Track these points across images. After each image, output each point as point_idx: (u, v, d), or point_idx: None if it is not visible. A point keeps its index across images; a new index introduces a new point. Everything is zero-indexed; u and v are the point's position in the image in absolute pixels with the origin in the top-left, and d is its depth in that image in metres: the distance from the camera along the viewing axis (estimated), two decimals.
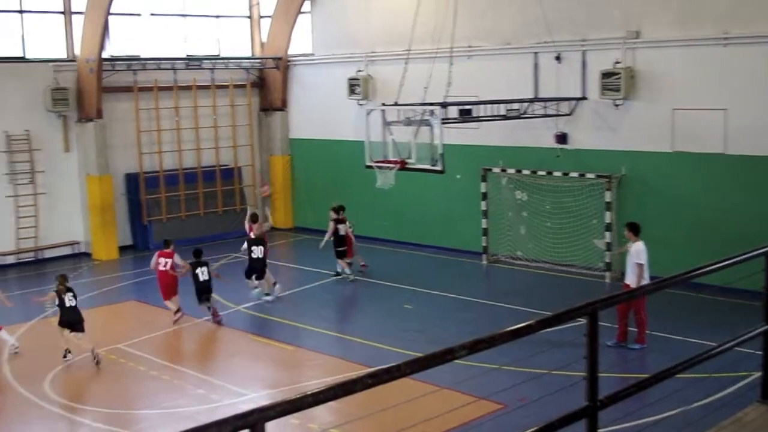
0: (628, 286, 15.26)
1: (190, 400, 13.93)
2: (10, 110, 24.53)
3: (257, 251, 20.07)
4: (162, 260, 18.57)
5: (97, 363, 15.63)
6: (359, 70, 26.33)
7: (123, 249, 26.11)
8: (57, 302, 16.19)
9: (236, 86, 28.83)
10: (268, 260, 20.62)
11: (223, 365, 15.81)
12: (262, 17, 29.75)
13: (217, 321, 18.28)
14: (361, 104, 25.73)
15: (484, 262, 23.26)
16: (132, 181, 26.91)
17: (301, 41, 28.78)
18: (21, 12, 24.87)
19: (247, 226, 21.46)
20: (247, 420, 3.29)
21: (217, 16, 29.10)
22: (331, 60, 27.65)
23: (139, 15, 27.28)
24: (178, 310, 18.38)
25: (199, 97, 27.87)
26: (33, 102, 24.88)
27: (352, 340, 16.84)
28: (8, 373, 15.46)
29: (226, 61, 28.76)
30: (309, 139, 28.90)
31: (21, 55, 24.98)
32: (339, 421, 12.57)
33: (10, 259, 24.78)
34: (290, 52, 28.94)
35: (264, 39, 29.60)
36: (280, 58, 28.85)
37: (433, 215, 25.18)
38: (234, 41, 29.60)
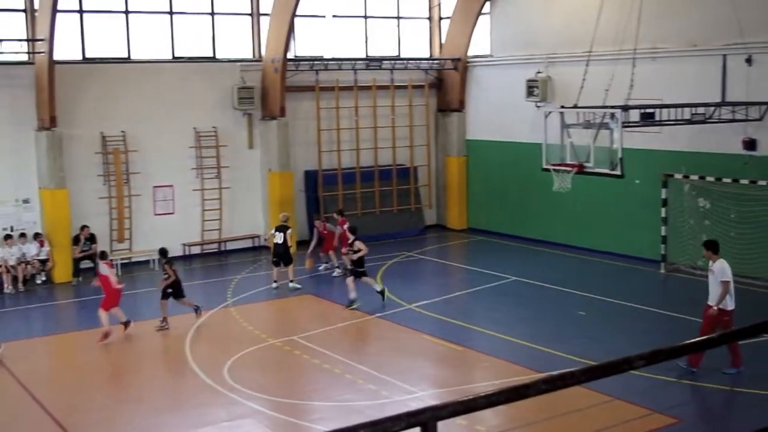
0: (711, 307, 14.52)
1: (361, 395, 14.19)
2: (199, 107, 25.71)
3: (279, 237, 21.51)
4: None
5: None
6: (538, 72, 26.06)
7: (300, 244, 26.76)
8: None
9: (415, 87, 29.12)
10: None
11: (393, 362, 15.98)
12: (441, 18, 29.95)
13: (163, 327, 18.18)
14: (539, 106, 25.45)
15: (662, 270, 22.53)
16: (311, 178, 27.63)
17: (480, 42, 28.78)
18: (212, 14, 26.03)
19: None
20: (419, 418, 3.32)
21: (398, 18, 29.50)
22: (510, 61, 27.50)
23: (322, 17, 28.01)
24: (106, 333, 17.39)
25: (378, 97, 28.31)
26: (221, 100, 25.98)
27: (522, 344, 16.68)
28: (190, 359, 16.22)
29: (405, 61, 29.08)
30: (485, 141, 28.84)
31: (211, 55, 26.16)
32: (506, 425, 12.51)
33: (196, 250, 26.00)
34: (469, 53, 28.99)
35: (443, 40, 29.79)
36: (458, 59, 28.93)
37: (609, 220, 24.60)
38: (414, 42, 29.94)
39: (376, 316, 18.87)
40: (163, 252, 19.67)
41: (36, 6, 22.86)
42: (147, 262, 24.67)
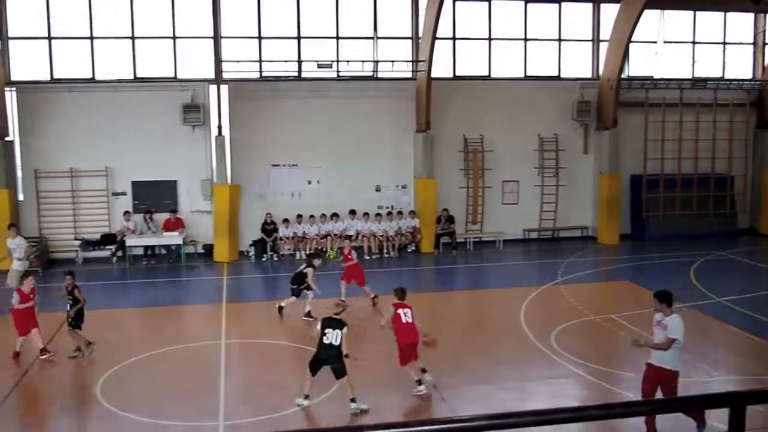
0: (659, 369, 10.72)
1: None
2: (544, 118, 25.83)
3: (332, 335, 11.74)
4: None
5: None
6: None
7: (622, 237, 26.11)
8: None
9: (735, 105, 27.05)
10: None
11: (698, 347, 15.00)
12: (766, 44, 27.50)
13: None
14: None
15: None
16: (635, 181, 26.69)
17: None
18: (559, 40, 25.93)
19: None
20: (727, 400, 3.25)
21: (724, 43, 27.51)
22: None
23: (654, 42, 26.86)
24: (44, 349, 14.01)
25: (701, 114, 26.67)
26: (562, 112, 25.89)
27: None
28: (524, 324, 16.44)
29: (728, 82, 27.10)
30: None
31: (556, 74, 26.11)
32: None
33: (533, 235, 26.23)
34: None
35: (767, 63, 27.34)
36: None
37: None
38: (738, 64, 27.77)
39: (688, 305, 17.91)
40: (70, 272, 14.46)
41: (420, 33, 24.20)
42: (494, 242, 25.35)
